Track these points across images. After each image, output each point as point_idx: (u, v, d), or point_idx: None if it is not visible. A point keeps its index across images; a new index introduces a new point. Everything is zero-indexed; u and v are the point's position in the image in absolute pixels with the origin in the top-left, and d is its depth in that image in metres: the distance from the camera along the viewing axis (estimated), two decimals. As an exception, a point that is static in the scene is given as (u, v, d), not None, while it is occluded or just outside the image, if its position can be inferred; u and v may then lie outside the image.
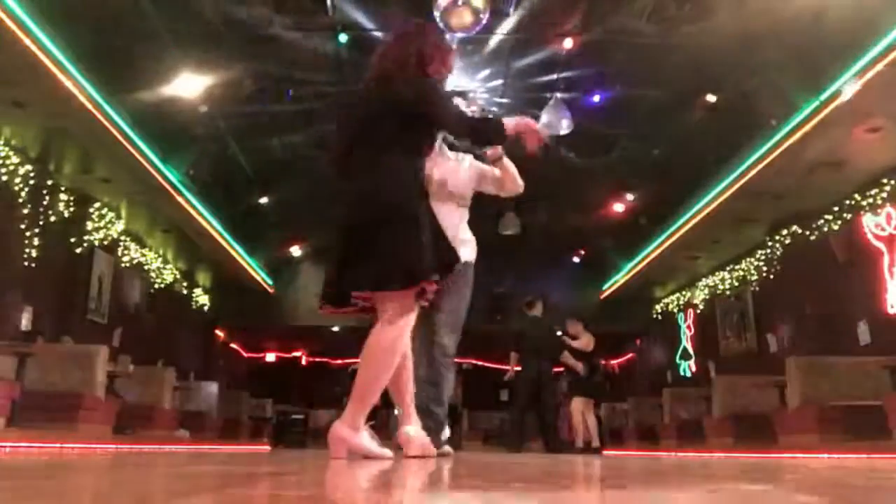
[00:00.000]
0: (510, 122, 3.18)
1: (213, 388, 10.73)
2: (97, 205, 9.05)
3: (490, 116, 3.24)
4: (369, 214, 2.78)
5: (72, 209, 8.44)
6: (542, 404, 7.93)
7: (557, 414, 8.97)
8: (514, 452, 7.23)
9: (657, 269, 11.97)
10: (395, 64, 2.98)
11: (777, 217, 9.21)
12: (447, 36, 6.29)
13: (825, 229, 8.57)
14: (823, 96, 6.55)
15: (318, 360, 16.60)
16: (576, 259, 13.65)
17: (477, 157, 4.21)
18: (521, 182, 4.15)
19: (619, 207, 10.95)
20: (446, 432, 3.84)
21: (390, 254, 2.71)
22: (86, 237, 8.89)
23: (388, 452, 2.89)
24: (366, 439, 2.80)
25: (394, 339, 2.80)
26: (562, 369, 9.12)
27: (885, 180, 7.58)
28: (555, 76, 7.65)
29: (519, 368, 8.12)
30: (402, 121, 2.88)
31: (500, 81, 7.96)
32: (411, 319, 2.86)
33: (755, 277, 10.40)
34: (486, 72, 7.70)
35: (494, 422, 14.71)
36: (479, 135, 3.25)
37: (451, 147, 4.18)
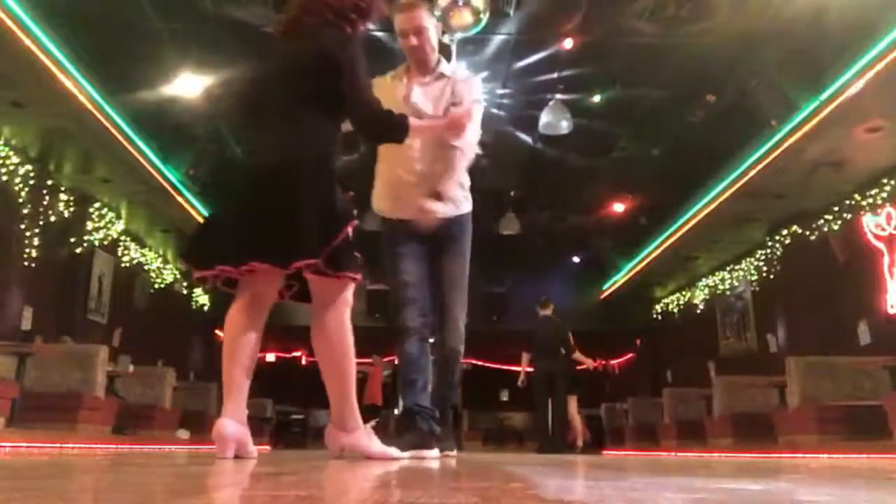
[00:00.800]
0: (418, 125, 2.81)
1: (213, 388, 10.72)
2: (97, 205, 9.05)
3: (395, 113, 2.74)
4: (290, 174, 2.43)
5: (72, 209, 8.44)
6: (555, 403, 7.92)
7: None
8: (554, 453, 7.26)
9: (657, 269, 11.97)
10: (329, 8, 2.58)
11: (777, 217, 9.22)
12: (447, 35, 6.30)
13: (825, 229, 8.57)
14: (823, 96, 6.55)
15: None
16: (576, 259, 13.66)
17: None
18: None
19: (619, 207, 10.95)
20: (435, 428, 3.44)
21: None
22: (86, 237, 8.89)
23: (393, 451, 2.74)
24: (364, 438, 2.67)
25: (347, 320, 2.59)
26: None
27: (885, 180, 7.59)
28: (555, 76, 7.64)
29: (531, 369, 8.15)
30: (320, 79, 2.52)
31: (500, 83, 7.96)
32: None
33: (755, 277, 10.40)
34: (487, 72, 7.70)
35: (494, 422, 14.73)
36: (379, 129, 2.73)
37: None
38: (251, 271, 2.40)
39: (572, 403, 9.06)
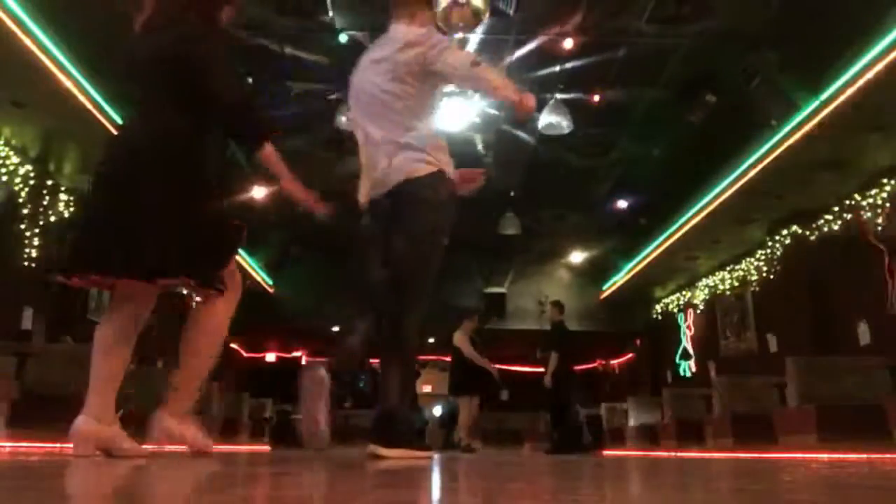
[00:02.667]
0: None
1: (213, 388, 10.71)
2: (97, 205, 9.05)
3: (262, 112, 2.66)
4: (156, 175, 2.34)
5: (72, 209, 8.44)
6: (569, 405, 7.98)
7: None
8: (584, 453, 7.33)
9: (657, 269, 11.97)
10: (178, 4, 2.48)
11: (777, 217, 9.22)
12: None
13: (825, 229, 8.57)
14: (823, 96, 6.55)
15: (318, 360, 16.60)
16: (576, 259, 13.66)
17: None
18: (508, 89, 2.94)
19: (619, 207, 10.95)
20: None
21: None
22: (86, 237, 8.88)
23: (209, 445, 2.68)
24: (192, 430, 2.62)
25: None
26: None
27: (885, 180, 7.59)
28: (555, 76, 7.64)
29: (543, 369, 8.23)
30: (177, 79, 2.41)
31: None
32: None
33: (755, 277, 10.41)
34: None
35: (494, 422, 14.71)
36: (249, 127, 2.62)
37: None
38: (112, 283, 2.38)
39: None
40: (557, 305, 8.82)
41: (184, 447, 2.60)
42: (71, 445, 2.44)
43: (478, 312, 9.33)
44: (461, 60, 2.96)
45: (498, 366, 8.71)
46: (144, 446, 2.54)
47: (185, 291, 2.46)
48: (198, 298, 2.59)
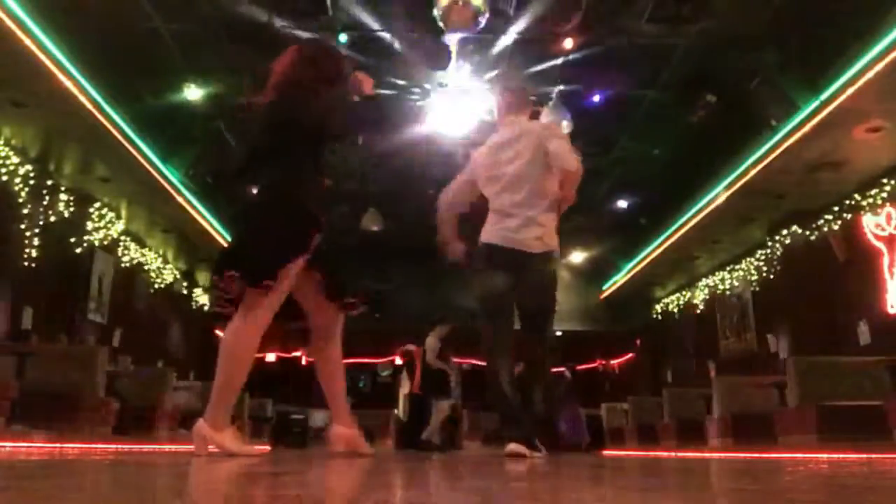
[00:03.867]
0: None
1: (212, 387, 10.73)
2: (97, 205, 9.06)
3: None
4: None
5: (72, 209, 8.44)
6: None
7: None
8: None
9: (657, 269, 11.97)
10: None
11: (777, 217, 9.22)
12: (446, 36, 6.31)
13: (825, 229, 8.57)
14: (823, 96, 6.55)
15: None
16: (576, 259, 13.67)
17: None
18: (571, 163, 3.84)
19: (619, 207, 10.95)
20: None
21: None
22: (86, 237, 8.89)
23: (253, 450, 2.87)
24: (229, 438, 2.75)
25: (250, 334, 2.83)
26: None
27: (885, 180, 7.59)
28: (555, 75, 7.64)
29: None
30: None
31: (500, 83, 7.96)
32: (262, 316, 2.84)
33: (755, 277, 10.41)
34: (487, 72, 7.70)
35: (495, 422, 14.68)
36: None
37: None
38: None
39: None
40: None
41: (223, 452, 2.73)
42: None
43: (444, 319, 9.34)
44: None
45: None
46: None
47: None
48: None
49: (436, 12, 6.16)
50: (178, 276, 12.00)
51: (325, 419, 16.29)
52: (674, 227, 10.23)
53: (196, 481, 1.56)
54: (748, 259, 10.53)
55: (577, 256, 13.56)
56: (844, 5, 6.00)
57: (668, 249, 10.80)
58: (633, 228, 11.30)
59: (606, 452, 9.86)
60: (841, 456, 5.03)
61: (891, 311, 7.43)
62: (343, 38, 7.00)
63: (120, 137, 7.32)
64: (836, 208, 8.34)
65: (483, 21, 6.18)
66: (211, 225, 10.16)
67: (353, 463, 2.52)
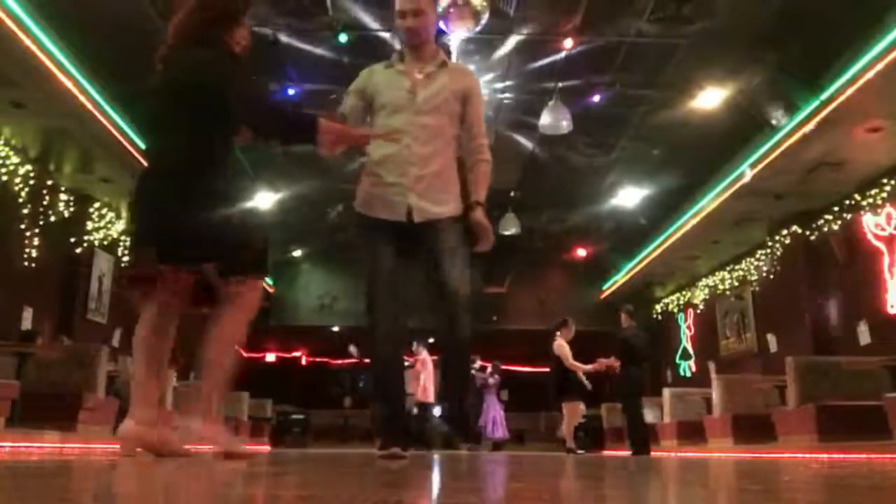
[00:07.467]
0: (325, 127, 2.74)
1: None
2: (97, 205, 9.05)
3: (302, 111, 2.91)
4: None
5: (72, 209, 8.44)
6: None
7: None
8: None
9: (657, 269, 11.97)
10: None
11: (777, 217, 9.21)
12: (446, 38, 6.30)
13: (825, 229, 8.57)
14: (823, 96, 6.55)
15: (318, 360, 16.60)
16: (576, 259, 13.66)
17: None
18: None
19: (618, 208, 10.94)
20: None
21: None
22: (86, 237, 8.89)
23: (245, 448, 2.81)
24: (217, 431, 2.67)
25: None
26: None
27: (885, 180, 7.59)
28: (555, 76, 7.64)
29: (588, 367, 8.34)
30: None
31: (500, 83, 7.96)
32: None
33: (755, 277, 10.41)
34: (487, 72, 7.70)
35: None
36: (291, 135, 2.94)
37: None
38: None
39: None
40: (625, 311, 8.85)
41: (213, 448, 2.67)
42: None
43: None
44: None
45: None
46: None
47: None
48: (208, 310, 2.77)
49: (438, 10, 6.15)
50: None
51: (328, 419, 16.31)
52: (674, 227, 10.23)
53: (196, 481, 1.56)
54: (748, 259, 10.53)
55: (577, 256, 13.55)
56: (844, 5, 6.00)
57: (668, 249, 10.80)
58: (633, 228, 11.29)
59: (606, 452, 9.86)
60: (841, 456, 5.03)
61: (891, 311, 7.43)
62: (343, 38, 7.01)
63: (120, 137, 7.32)
64: (836, 208, 8.33)
65: (483, 21, 6.17)
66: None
67: (354, 463, 2.52)
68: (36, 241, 7.76)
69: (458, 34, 6.33)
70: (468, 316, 3.00)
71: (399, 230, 2.98)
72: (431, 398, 9.89)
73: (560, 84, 7.69)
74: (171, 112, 2.71)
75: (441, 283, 2.97)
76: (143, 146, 2.88)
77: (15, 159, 7.37)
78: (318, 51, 7.33)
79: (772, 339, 10.05)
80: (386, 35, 7.07)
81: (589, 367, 8.44)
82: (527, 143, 9.20)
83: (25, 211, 7.64)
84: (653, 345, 8.70)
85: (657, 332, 12.99)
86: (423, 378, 9.92)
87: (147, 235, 2.63)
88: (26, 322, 7.67)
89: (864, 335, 7.91)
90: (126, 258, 2.35)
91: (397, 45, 7.17)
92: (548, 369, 8.88)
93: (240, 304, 2.71)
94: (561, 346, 8.41)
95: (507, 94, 8.23)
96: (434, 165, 3.02)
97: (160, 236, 2.57)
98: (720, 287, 11.52)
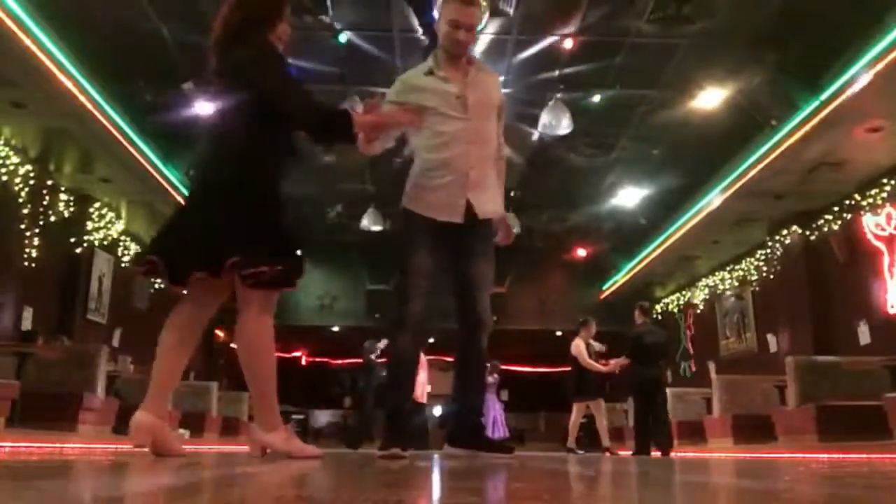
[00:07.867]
0: (360, 119, 2.77)
1: (213, 387, 10.73)
2: (97, 205, 9.06)
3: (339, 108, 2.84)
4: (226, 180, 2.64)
5: (72, 209, 8.44)
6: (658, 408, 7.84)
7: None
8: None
9: (657, 269, 11.97)
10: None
11: (777, 217, 9.22)
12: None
13: (825, 229, 8.58)
14: (823, 96, 6.55)
15: (318, 360, 16.61)
16: (576, 259, 13.66)
17: None
18: None
19: (617, 208, 10.94)
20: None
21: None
22: (86, 237, 8.89)
23: (313, 450, 2.76)
24: (280, 439, 2.67)
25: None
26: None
27: (885, 180, 7.59)
28: (555, 76, 7.63)
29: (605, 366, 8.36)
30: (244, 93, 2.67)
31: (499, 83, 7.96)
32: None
33: (755, 277, 10.41)
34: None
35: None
36: (328, 131, 2.86)
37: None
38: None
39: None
40: (641, 308, 8.83)
41: (275, 452, 2.66)
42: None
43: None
44: None
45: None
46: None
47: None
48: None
49: (436, 12, 6.15)
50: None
51: (328, 419, 16.29)
52: (674, 227, 10.23)
53: (196, 481, 1.56)
54: (748, 259, 10.53)
55: (577, 256, 13.55)
56: (844, 5, 6.00)
57: (668, 249, 10.80)
58: (633, 228, 11.29)
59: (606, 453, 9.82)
60: (841, 456, 5.03)
61: (891, 311, 7.43)
62: (343, 38, 7.00)
63: (120, 137, 7.32)
64: (836, 208, 8.33)
65: (483, 21, 6.17)
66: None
67: (354, 463, 2.52)
68: (36, 241, 7.76)
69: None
70: (487, 335, 3.25)
71: (444, 232, 3.12)
72: (425, 398, 10.00)
73: (560, 84, 7.69)
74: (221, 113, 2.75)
75: (469, 309, 3.19)
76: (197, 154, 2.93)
77: (15, 159, 7.38)
78: (318, 51, 7.33)
79: (772, 339, 10.05)
80: (386, 35, 7.07)
81: (602, 367, 8.56)
82: (527, 143, 9.20)
83: (25, 211, 7.64)
84: (671, 341, 8.60)
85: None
86: (422, 378, 9.94)
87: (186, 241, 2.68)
88: (26, 322, 7.67)
89: (864, 335, 7.91)
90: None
91: (397, 46, 7.18)
92: (548, 369, 8.93)
93: (249, 304, 2.70)
94: (577, 345, 8.55)
95: (506, 94, 8.22)
96: (487, 166, 3.19)
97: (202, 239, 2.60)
98: (720, 287, 11.52)
